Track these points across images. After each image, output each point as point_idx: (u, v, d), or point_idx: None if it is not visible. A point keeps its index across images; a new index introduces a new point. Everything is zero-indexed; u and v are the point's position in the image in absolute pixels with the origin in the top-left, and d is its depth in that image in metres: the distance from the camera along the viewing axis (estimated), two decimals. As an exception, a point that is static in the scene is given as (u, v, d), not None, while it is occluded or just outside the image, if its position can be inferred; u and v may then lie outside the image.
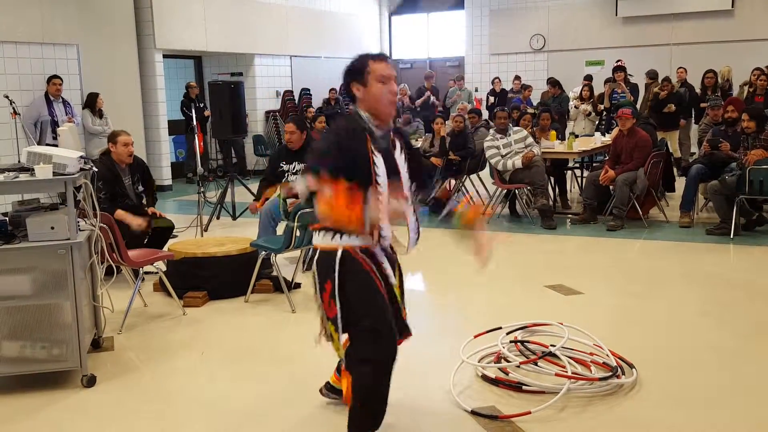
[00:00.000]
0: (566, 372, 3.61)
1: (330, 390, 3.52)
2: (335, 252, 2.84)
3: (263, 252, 5.35)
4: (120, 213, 5.57)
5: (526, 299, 5.31)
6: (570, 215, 8.39)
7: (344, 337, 2.88)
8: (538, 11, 15.06)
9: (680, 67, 11.60)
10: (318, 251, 2.91)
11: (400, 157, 2.94)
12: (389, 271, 2.97)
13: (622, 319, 4.80)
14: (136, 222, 5.60)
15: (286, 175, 6.22)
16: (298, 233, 5.21)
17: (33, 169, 3.66)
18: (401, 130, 3.12)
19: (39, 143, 8.63)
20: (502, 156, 7.95)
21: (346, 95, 2.94)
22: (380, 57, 2.89)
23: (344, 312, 2.82)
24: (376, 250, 2.92)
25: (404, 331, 3.04)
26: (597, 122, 10.93)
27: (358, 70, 2.86)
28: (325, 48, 14.64)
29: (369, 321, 2.79)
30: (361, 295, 2.83)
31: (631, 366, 3.80)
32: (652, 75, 11.68)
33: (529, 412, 3.33)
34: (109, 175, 5.66)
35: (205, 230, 7.79)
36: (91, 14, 10.14)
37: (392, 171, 2.87)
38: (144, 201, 6.07)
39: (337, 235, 2.85)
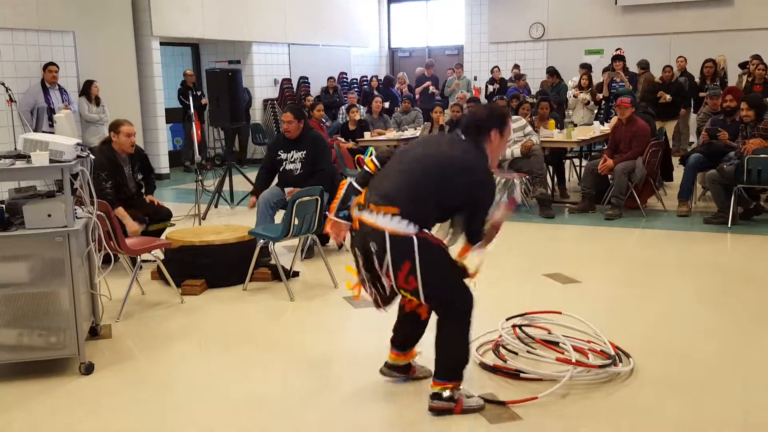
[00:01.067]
0: (570, 359, 3.61)
1: (391, 368, 3.64)
2: (410, 237, 3.11)
3: (261, 240, 5.34)
4: (120, 211, 5.53)
5: (524, 288, 5.31)
6: (568, 204, 8.39)
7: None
8: (537, 0, 15.00)
9: (680, 56, 11.57)
10: (389, 234, 3.12)
11: None
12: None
13: (619, 308, 4.81)
14: (132, 228, 5.54)
15: (284, 163, 6.19)
16: (296, 222, 5.20)
17: (29, 157, 3.65)
18: None
19: (35, 131, 8.60)
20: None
21: (476, 135, 3.30)
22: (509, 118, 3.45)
23: (424, 285, 3.15)
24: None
25: None
26: (595, 111, 10.91)
27: (503, 122, 3.34)
28: (323, 36, 14.58)
29: (459, 288, 3.28)
30: (445, 269, 3.25)
31: (627, 356, 3.80)
32: (643, 65, 11.66)
33: (536, 398, 3.34)
34: (110, 165, 5.64)
35: (203, 219, 7.77)
36: (88, 1, 10.07)
37: None
38: (143, 189, 6.06)
39: (411, 224, 3.13)
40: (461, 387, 3.32)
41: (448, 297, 3.26)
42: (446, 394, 3.27)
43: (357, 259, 3.32)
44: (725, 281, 5.41)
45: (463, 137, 3.32)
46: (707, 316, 4.61)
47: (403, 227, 3.12)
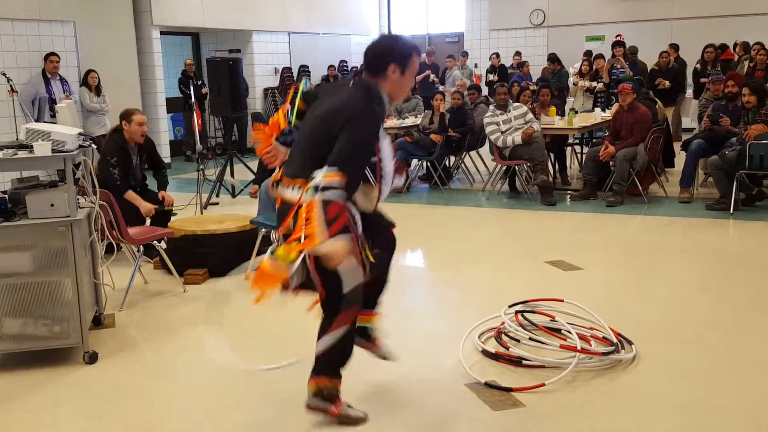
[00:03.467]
0: (574, 346, 3.62)
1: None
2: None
3: (263, 229, 5.34)
4: (131, 194, 5.57)
5: (526, 275, 5.31)
6: (570, 191, 8.38)
7: None
8: (538, -15, 14.95)
9: (664, 51, 11.41)
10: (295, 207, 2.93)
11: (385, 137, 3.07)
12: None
13: (621, 295, 4.81)
14: (146, 208, 5.60)
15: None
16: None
17: (32, 146, 3.65)
18: None
19: (37, 121, 8.60)
20: (502, 132, 7.92)
21: (374, 72, 2.93)
22: (419, 53, 3.04)
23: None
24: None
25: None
26: (592, 99, 10.87)
27: (403, 56, 2.94)
28: (323, 24, 14.52)
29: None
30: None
31: (630, 343, 3.81)
32: (632, 51, 11.61)
33: (543, 384, 3.35)
34: (121, 153, 5.64)
35: (205, 208, 7.78)
36: (88, -10, 10.05)
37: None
38: (147, 181, 6.06)
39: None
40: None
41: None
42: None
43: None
44: (727, 268, 5.41)
45: (358, 79, 3.01)
46: (709, 303, 4.62)
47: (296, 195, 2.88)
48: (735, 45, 11.30)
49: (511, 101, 8.31)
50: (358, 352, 3.22)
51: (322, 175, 2.75)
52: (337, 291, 2.97)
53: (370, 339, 3.38)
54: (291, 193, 2.95)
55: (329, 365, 3.11)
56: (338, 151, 2.78)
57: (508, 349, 3.75)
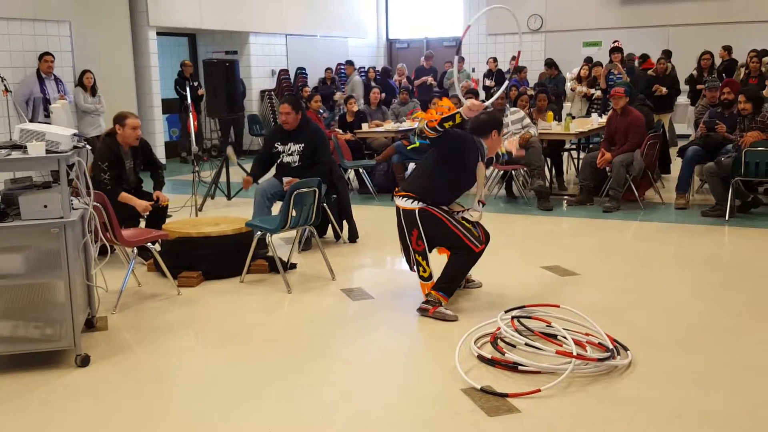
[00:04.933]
0: (570, 351, 3.60)
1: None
2: (414, 211, 4.46)
3: (259, 232, 5.32)
4: (124, 195, 5.54)
5: (522, 280, 5.30)
6: (566, 197, 8.38)
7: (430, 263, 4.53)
8: (536, -9, 14.96)
9: (664, 52, 11.42)
10: (402, 211, 4.53)
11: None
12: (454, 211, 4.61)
13: (617, 300, 4.80)
14: (142, 205, 5.56)
15: (282, 156, 6.16)
16: (294, 213, 5.18)
17: (26, 147, 3.62)
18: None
19: (31, 121, 8.55)
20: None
21: (479, 134, 4.60)
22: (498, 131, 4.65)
23: (429, 245, 4.51)
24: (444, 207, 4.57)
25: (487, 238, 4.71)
26: (588, 105, 10.87)
27: (500, 124, 4.71)
28: (321, 27, 14.52)
29: (459, 236, 4.48)
30: (439, 230, 4.49)
31: (625, 349, 3.80)
32: (630, 57, 11.61)
33: (539, 390, 3.33)
34: (111, 156, 5.60)
35: (200, 210, 7.75)
36: (84, -10, 10.02)
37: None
38: (143, 183, 6.02)
39: (415, 202, 4.47)
40: (443, 305, 4.45)
41: (454, 242, 4.50)
42: (431, 299, 4.48)
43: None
44: (723, 274, 5.40)
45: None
46: (705, 309, 4.61)
47: (410, 204, 4.47)
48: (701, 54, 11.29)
49: (508, 106, 8.30)
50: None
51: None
52: (465, 239, 4.48)
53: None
54: (398, 200, 4.62)
55: (448, 286, 4.52)
56: None
57: (504, 355, 3.73)
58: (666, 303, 4.73)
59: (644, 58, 11.99)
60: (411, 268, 4.63)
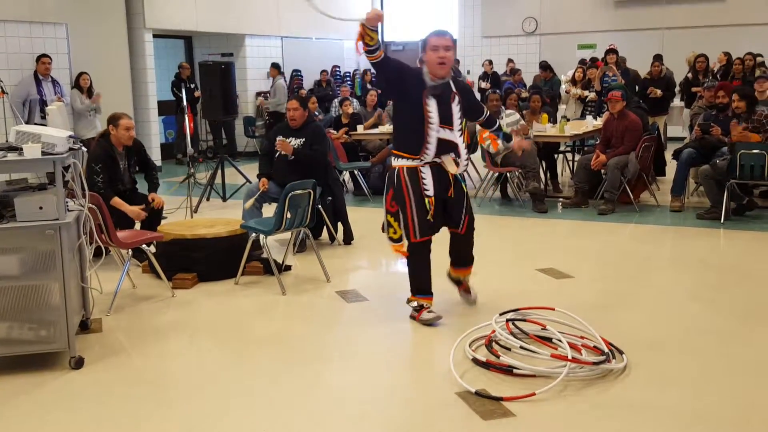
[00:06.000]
0: (565, 355, 3.60)
1: (450, 279, 4.73)
2: (394, 170, 4.28)
3: (253, 234, 5.32)
4: (117, 201, 5.53)
5: (517, 282, 5.31)
6: (561, 199, 8.39)
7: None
8: (530, -6, 14.99)
9: (656, 56, 11.42)
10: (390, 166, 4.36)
11: (455, 106, 4.24)
12: (427, 183, 4.23)
13: (612, 303, 4.81)
14: (133, 212, 5.57)
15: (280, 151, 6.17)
16: (289, 215, 5.18)
17: (22, 149, 3.61)
18: (458, 82, 4.40)
19: (27, 122, 8.53)
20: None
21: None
22: (436, 32, 4.24)
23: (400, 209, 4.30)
24: (422, 168, 4.23)
25: (449, 225, 4.43)
26: (582, 107, 10.88)
27: (423, 43, 4.27)
28: (316, 29, 14.51)
29: (403, 214, 4.30)
30: (399, 198, 4.28)
31: (621, 352, 3.80)
32: (622, 60, 11.62)
33: (534, 394, 3.33)
34: (107, 159, 5.60)
35: (195, 212, 7.75)
36: (81, -7, 10.01)
37: (446, 114, 4.19)
38: (137, 184, 6.02)
39: (398, 159, 4.27)
40: (426, 306, 4.41)
41: (403, 219, 4.30)
42: (413, 305, 4.42)
43: None
44: (718, 277, 5.42)
45: None
46: (700, 312, 4.62)
47: (394, 161, 4.31)
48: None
49: (503, 108, 8.30)
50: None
51: None
52: (410, 222, 4.30)
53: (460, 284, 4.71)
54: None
55: (416, 287, 4.46)
56: None
57: (498, 358, 3.74)
58: (661, 306, 4.74)
59: (593, 60, 12.08)
60: (383, 230, 4.47)
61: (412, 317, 4.43)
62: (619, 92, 7.76)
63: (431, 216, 4.24)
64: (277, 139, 6.15)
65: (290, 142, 6.14)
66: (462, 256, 4.56)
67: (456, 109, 4.24)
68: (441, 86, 4.21)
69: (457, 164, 4.26)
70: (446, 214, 4.37)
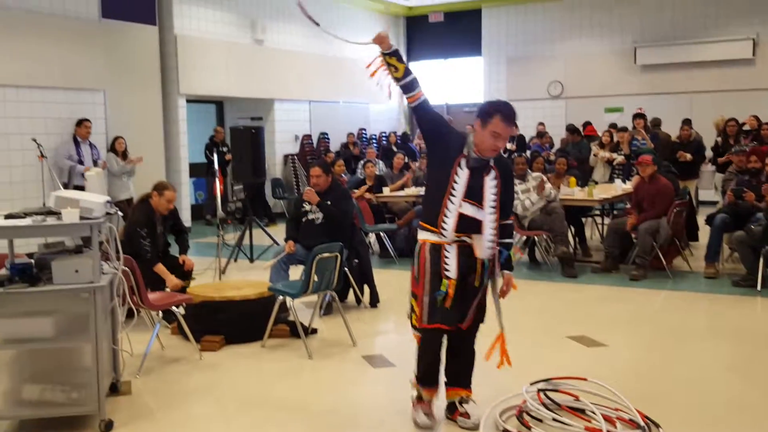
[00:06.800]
0: (600, 428, 3.51)
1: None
2: (417, 243, 3.72)
3: (281, 296, 5.32)
4: (160, 268, 5.66)
5: (548, 350, 5.22)
6: (591, 263, 8.29)
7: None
8: (555, 59, 15.17)
9: (684, 121, 11.44)
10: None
11: (490, 181, 3.64)
12: (449, 264, 3.62)
13: (647, 373, 4.70)
14: (173, 283, 5.67)
15: (307, 214, 6.24)
16: (315, 278, 5.19)
17: (60, 213, 3.69)
18: (506, 164, 3.84)
19: (66, 185, 8.76)
20: (521, 201, 7.92)
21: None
22: (506, 115, 3.59)
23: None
24: (447, 247, 3.63)
25: (464, 320, 3.74)
26: (610, 170, 10.87)
27: (486, 113, 3.62)
28: (343, 94, 14.81)
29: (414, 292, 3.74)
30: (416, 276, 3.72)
31: (657, 426, 3.69)
32: (655, 122, 11.64)
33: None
34: (147, 222, 5.73)
35: (223, 273, 7.79)
36: (119, 62, 10.36)
37: (476, 188, 3.60)
38: (170, 247, 6.11)
39: (423, 232, 3.70)
40: (426, 399, 3.87)
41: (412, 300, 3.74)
42: (415, 392, 3.90)
43: None
44: (755, 347, 5.28)
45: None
46: (737, 384, 4.49)
47: (420, 235, 3.74)
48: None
49: (529, 171, 8.33)
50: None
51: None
52: (419, 304, 3.74)
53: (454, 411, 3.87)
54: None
55: (421, 376, 3.89)
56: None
57: (530, 430, 3.65)
58: (698, 377, 4.62)
59: (585, 125, 12.15)
60: (408, 315, 3.85)
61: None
62: (649, 156, 7.75)
63: (448, 301, 3.61)
64: (306, 189, 6.26)
65: (314, 207, 6.20)
66: (459, 367, 3.88)
67: (491, 184, 3.63)
68: (481, 160, 3.65)
69: (482, 248, 3.63)
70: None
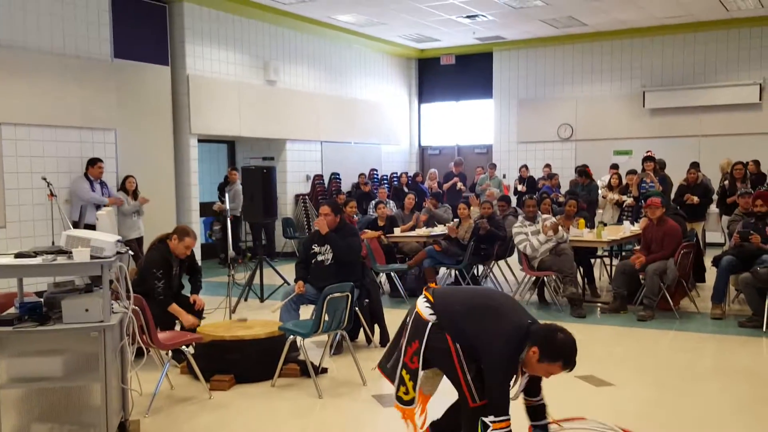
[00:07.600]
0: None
1: None
2: (428, 322, 3.56)
3: (291, 336, 5.35)
4: (175, 308, 5.72)
5: (555, 390, 5.18)
6: (600, 304, 8.29)
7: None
8: (565, 102, 15.31)
9: (692, 164, 11.48)
10: (416, 312, 3.63)
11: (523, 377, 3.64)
12: None
13: (655, 414, 4.68)
14: (189, 321, 5.72)
15: (316, 255, 6.28)
16: (326, 317, 5.22)
17: (71, 252, 3.76)
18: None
19: (77, 223, 8.84)
20: (530, 242, 7.96)
21: (529, 339, 3.47)
22: (567, 367, 3.53)
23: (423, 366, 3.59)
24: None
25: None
26: (619, 212, 10.90)
27: (552, 354, 3.46)
28: (355, 134, 14.98)
29: (451, 375, 3.57)
30: (443, 359, 3.55)
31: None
32: (660, 164, 11.69)
33: None
34: (163, 263, 5.79)
35: (233, 312, 7.83)
36: (131, 101, 10.50)
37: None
38: (183, 288, 6.17)
39: (435, 315, 3.57)
40: None
41: (452, 379, 3.56)
42: None
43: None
44: (762, 388, 5.25)
45: (527, 323, 3.53)
46: (744, 427, 4.46)
47: (428, 313, 3.57)
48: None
49: (540, 213, 8.39)
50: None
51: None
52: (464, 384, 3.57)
53: None
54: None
55: None
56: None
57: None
58: (705, 418, 4.60)
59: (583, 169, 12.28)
60: (388, 377, 3.79)
61: None
62: (658, 199, 7.82)
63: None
64: (318, 218, 6.32)
65: (325, 248, 6.25)
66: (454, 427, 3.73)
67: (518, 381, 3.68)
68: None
69: None
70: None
